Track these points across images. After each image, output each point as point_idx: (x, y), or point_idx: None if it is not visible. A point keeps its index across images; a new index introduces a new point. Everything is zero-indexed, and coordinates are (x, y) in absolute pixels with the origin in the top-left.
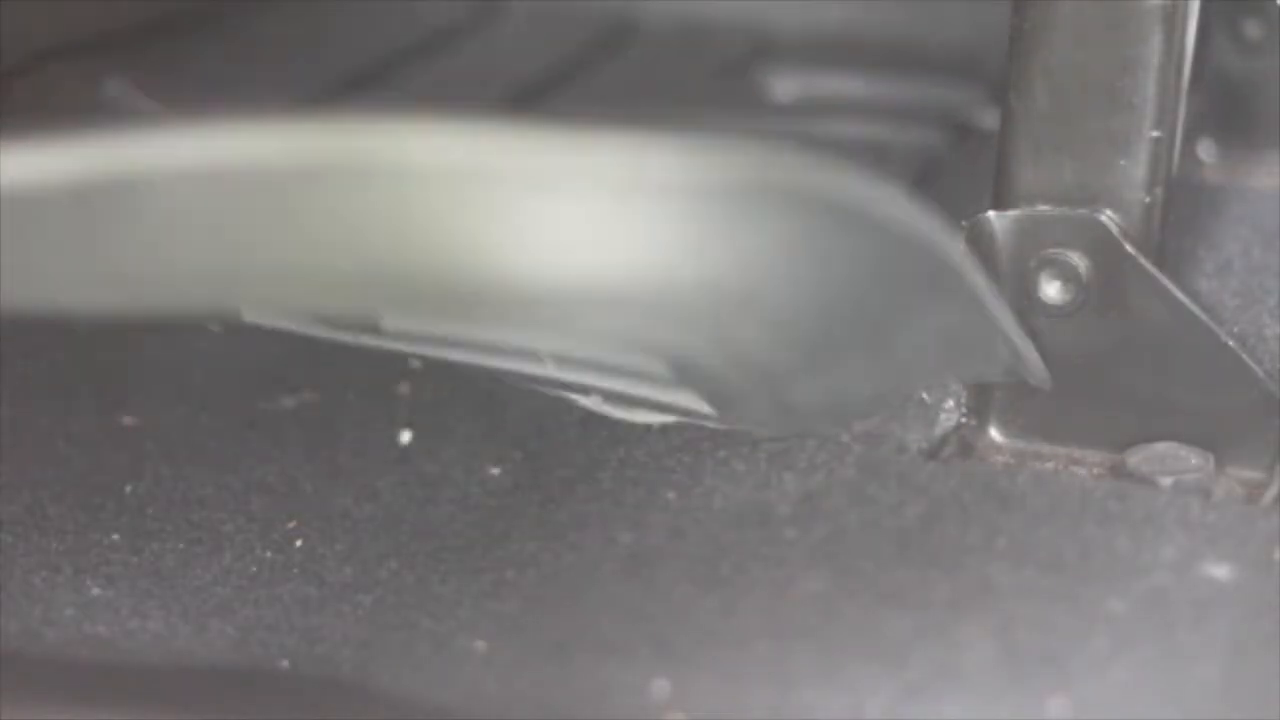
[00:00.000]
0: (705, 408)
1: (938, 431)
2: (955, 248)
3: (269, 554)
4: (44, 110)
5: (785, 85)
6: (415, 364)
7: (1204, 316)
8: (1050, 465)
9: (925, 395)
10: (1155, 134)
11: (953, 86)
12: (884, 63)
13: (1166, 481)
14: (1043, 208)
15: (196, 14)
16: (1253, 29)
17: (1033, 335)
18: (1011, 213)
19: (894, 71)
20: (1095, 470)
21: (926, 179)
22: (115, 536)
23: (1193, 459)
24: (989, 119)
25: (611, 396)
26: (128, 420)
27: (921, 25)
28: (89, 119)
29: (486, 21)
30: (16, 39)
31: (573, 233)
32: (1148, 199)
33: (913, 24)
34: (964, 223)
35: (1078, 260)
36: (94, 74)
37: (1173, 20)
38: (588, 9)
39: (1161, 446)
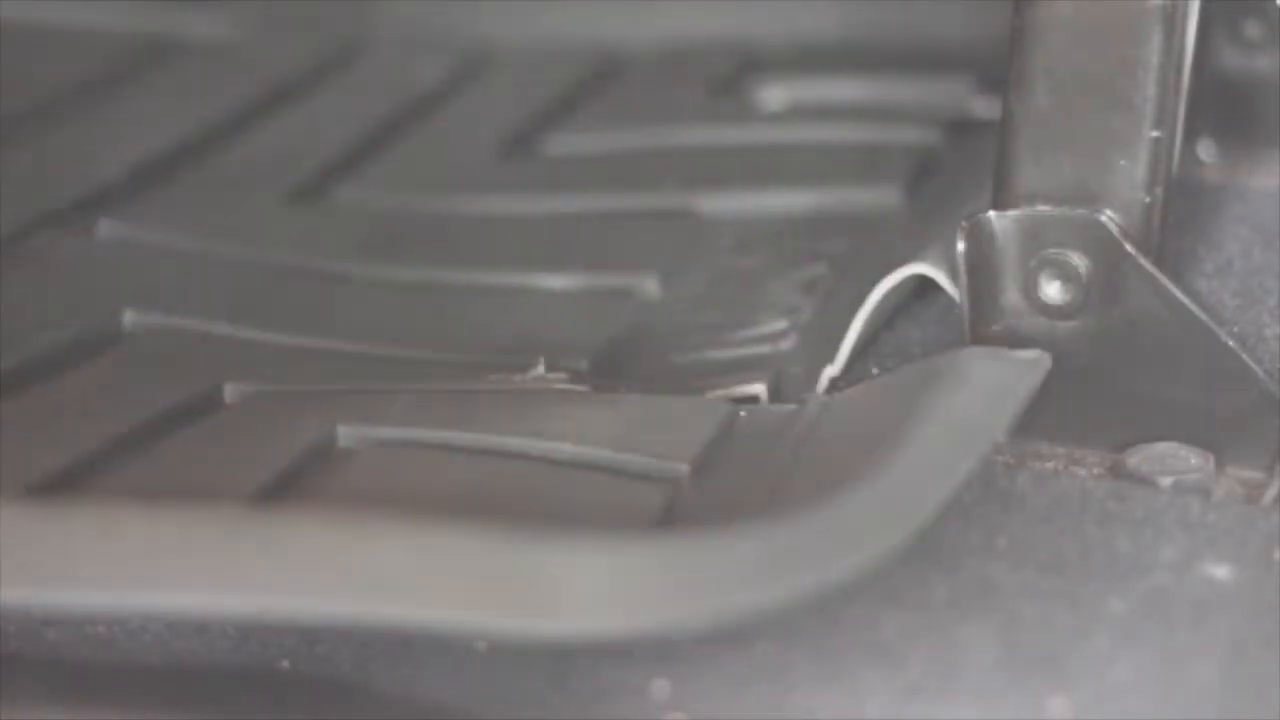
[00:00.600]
0: None
1: None
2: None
3: None
4: (45, 268)
5: (775, 95)
6: None
7: (1204, 316)
8: (1050, 465)
9: None
10: (1155, 134)
11: (943, 82)
12: (871, 64)
13: (1166, 481)
14: (1043, 208)
15: (179, 145)
16: (1253, 29)
17: (1033, 335)
18: (1011, 213)
19: (881, 71)
20: (1095, 470)
21: (923, 178)
22: None
23: (1193, 459)
24: (982, 112)
25: None
26: None
27: (905, 23)
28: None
29: (474, 74)
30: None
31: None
32: (1148, 199)
33: (896, 22)
34: (964, 223)
35: (1078, 260)
36: (87, 224)
37: (1173, 20)
38: (573, 46)
39: (1161, 446)
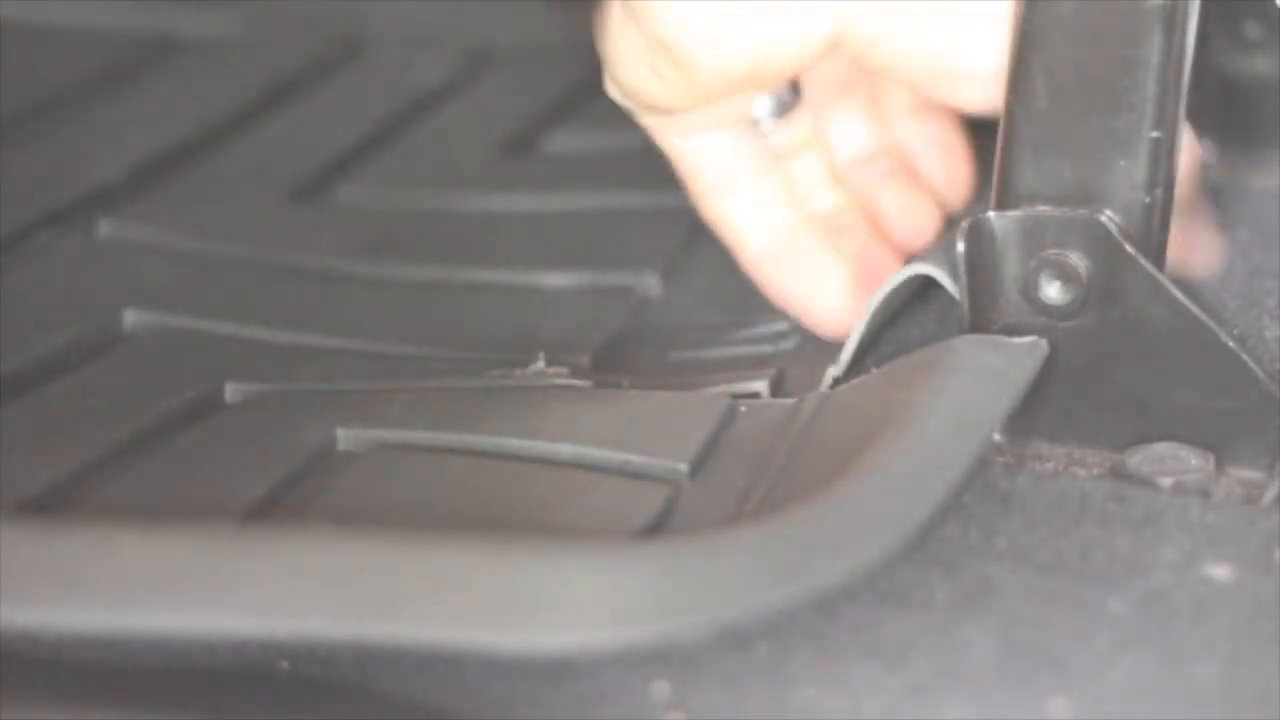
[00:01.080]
0: None
1: None
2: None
3: None
4: (46, 268)
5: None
6: None
7: (1204, 317)
8: (1050, 466)
9: None
10: (1155, 134)
11: None
12: None
13: (1166, 482)
14: (1043, 208)
15: (179, 145)
16: (1253, 29)
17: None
18: (1011, 213)
19: None
20: (1095, 471)
21: None
22: None
23: (1193, 459)
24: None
25: None
26: None
27: None
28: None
29: (474, 73)
30: (4, 212)
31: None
32: (1148, 199)
33: None
34: (964, 223)
35: (1078, 260)
36: (87, 224)
37: (1173, 20)
38: (574, 46)
39: (1161, 447)
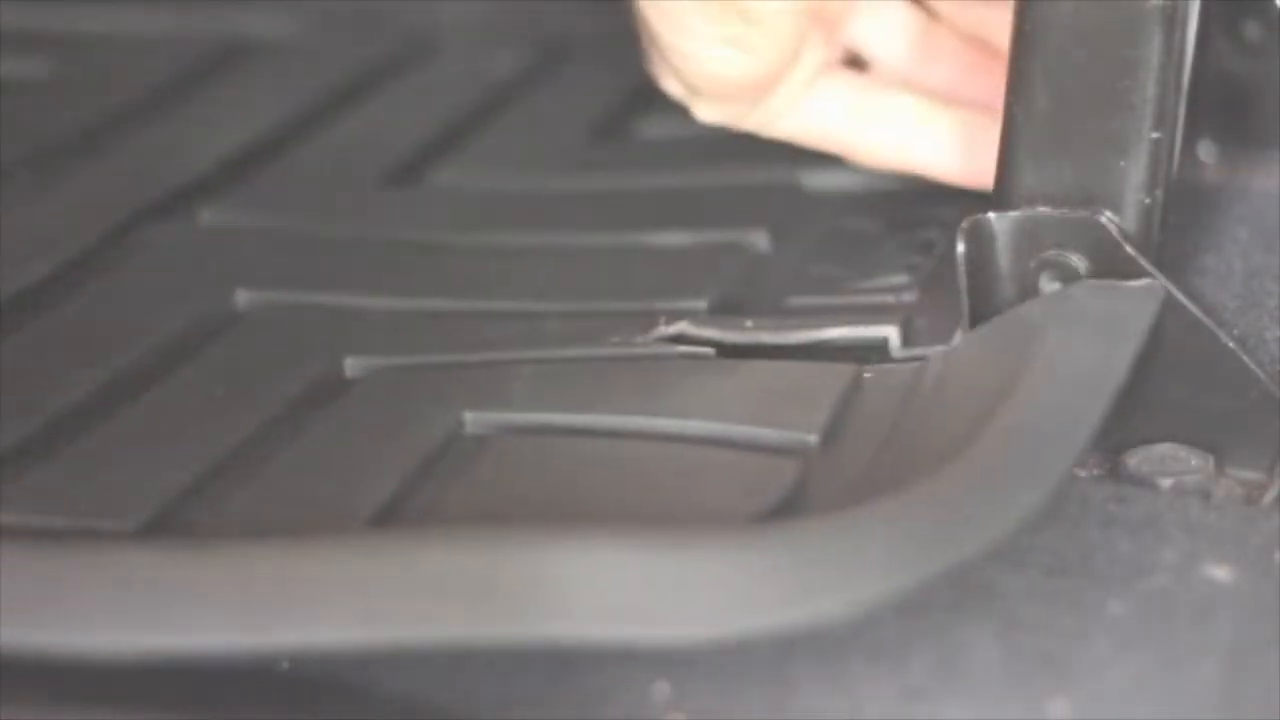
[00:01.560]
0: None
1: None
2: None
3: None
4: (155, 257)
5: None
6: None
7: (1204, 318)
8: None
9: None
10: (1155, 135)
11: None
12: None
13: (1166, 483)
14: (1042, 209)
15: (270, 137)
16: (1253, 30)
17: None
18: (1011, 214)
19: None
20: (1095, 472)
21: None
22: None
23: (1193, 460)
24: None
25: None
26: None
27: None
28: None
29: (554, 65)
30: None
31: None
32: (1148, 200)
33: None
34: (963, 224)
35: (1078, 261)
36: (188, 213)
37: (1173, 21)
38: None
39: (1161, 448)
